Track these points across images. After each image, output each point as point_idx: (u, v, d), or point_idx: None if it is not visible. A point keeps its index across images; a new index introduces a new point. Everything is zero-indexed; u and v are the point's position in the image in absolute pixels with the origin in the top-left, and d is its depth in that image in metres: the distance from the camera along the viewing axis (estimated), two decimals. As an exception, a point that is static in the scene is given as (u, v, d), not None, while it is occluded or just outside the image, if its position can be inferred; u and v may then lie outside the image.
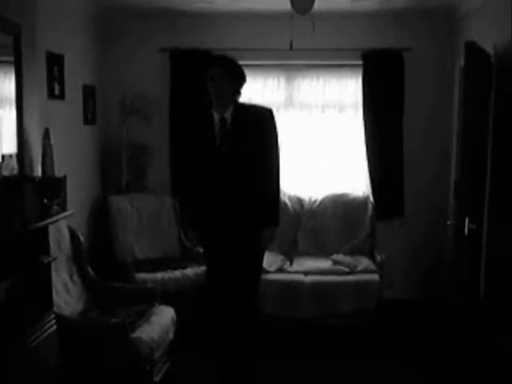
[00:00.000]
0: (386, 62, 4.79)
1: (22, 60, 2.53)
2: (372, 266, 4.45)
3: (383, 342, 4.10)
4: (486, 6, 4.04)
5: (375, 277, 4.31)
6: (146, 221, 4.71)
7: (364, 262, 4.50)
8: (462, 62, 4.49)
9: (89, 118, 4.46)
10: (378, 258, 4.48)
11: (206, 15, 4.70)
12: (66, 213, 2.78)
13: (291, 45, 3.41)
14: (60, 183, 2.72)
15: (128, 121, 4.78)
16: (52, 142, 2.80)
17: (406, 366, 3.78)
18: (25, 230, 2.39)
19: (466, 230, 3.12)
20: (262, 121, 3.05)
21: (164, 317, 3.40)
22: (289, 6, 3.58)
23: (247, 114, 3.05)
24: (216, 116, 3.02)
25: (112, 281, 3.73)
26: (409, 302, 4.74)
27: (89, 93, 4.45)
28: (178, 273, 4.38)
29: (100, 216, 4.58)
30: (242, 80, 3.06)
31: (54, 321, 2.75)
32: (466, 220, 3.12)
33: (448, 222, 3.29)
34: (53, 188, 2.65)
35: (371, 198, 4.87)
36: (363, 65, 4.80)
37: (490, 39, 3.64)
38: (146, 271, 4.33)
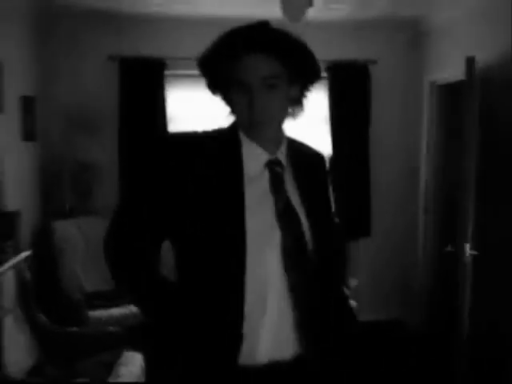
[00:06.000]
0: (352, 75, 4.58)
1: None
2: (346, 292, 4.19)
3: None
4: (459, 19, 3.92)
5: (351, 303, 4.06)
6: (95, 248, 4.18)
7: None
8: (430, 77, 4.38)
9: (28, 134, 3.88)
10: (352, 283, 4.23)
11: (162, 20, 4.26)
12: (22, 255, 2.27)
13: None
14: (14, 219, 2.21)
15: (72, 136, 4.24)
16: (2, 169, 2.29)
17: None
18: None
19: (467, 258, 2.91)
20: (324, 173, 1.57)
21: (134, 366, 2.92)
22: (256, 12, 3.23)
23: (307, 160, 1.52)
24: (258, 158, 1.38)
25: (62, 323, 3.21)
26: (377, 324, 4.52)
27: (28, 105, 3.87)
28: (133, 308, 3.89)
29: (41, 245, 3.99)
30: (313, 76, 1.42)
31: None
32: (467, 246, 2.92)
33: (447, 249, 3.07)
34: (7, 226, 2.14)
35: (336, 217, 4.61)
36: (328, 78, 4.56)
37: (462, 53, 3.49)
38: (97, 307, 3.82)
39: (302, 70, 1.36)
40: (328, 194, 1.56)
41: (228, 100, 1.37)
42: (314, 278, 1.37)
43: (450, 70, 3.88)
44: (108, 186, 4.39)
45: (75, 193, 4.30)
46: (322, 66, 4.49)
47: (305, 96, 1.42)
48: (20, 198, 3.66)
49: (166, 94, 4.42)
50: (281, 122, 1.40)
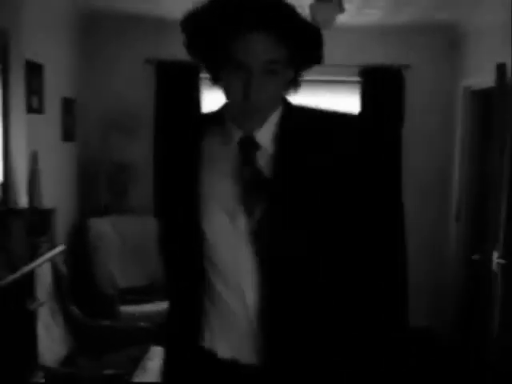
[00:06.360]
0: (385, 80, 4.57)
1: (10, 71, 2.14)
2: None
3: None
4: (492, 25, 3.87)
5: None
6: (130, 245, 4.32)
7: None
8: (465, 82, 4.33)
9: (68, 134, 4.04)
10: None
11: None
12: (57, 250, 2.39)
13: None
14: (50, 216, 2.33)
15: (109, 137, 4.39)
16: (39, 166, 2.42)
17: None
18: (13, 277, 1.99)
19: (495, 266, 2.88)
20: (346, 152, 1.21)
21: (160, 361, 3.01)
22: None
23: (322, 135, 1.21)
24: (235, 135, 1.22)
25: (95, 317, 3.33)
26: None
27: (68, 106, 4.03)
28: (166, 304, 4.00)
29: (77, 242, 4.15)
30: (315, 62, 1.22)
31: (40, 375, 2.36)
32: (495, 254, 2.89)
33: (475, 257, 3.04)
34: (42, 222, 2.26)
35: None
36: (361, 82, 4.57)
37: (494, 59, 3.44)
38: (130, 302, 3.94)
39: (307, 57, 1.19)
40: (352, 190, 1.20)
41: (218, 78, 1.19)
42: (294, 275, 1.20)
43: (484, 76, 3.84)
44: (143, 185, 4.50)
45: (111, 192, 4.44)
46: (356, 70, 4.52)
47: (300, 76, 1.23)
48: (57, 196, 3.81)
49: (201, 97, 4.53)
50: (271, 101, 1.19)
